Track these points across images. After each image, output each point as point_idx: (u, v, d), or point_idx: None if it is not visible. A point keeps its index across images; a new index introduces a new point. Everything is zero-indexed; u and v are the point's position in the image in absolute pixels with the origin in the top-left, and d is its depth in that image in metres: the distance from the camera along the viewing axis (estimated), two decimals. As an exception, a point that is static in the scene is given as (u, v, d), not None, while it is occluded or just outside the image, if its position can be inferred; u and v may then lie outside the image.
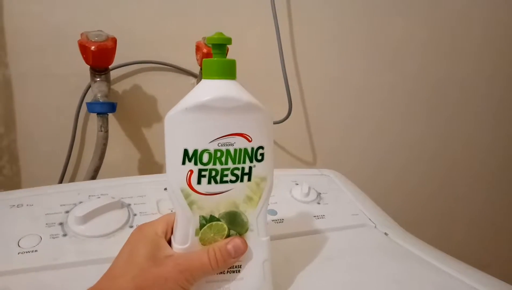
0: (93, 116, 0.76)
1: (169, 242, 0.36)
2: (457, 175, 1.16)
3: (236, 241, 0.34)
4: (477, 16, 1.06)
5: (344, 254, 0.50)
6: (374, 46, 0.97)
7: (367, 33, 0.96)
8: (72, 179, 0.77)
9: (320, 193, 0.63)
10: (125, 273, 0.32)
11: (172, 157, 0.34)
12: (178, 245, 0.35)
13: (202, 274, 0.34)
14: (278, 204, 0.58)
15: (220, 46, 0.33)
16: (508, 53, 1.13)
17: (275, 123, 0.83)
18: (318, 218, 0.58)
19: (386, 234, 0.57)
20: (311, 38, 0.91)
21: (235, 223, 0.36)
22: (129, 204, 0.54)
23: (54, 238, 0.48)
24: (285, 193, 0.62)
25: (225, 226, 0.35)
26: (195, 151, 0.33)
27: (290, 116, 0.83)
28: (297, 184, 0.63)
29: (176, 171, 0.34)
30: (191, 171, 0.33)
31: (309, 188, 0.62)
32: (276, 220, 0.56)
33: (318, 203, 0.61)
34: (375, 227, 0.59)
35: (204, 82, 0.34)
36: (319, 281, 0.43)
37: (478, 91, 1.12)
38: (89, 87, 0.73)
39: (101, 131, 0.67)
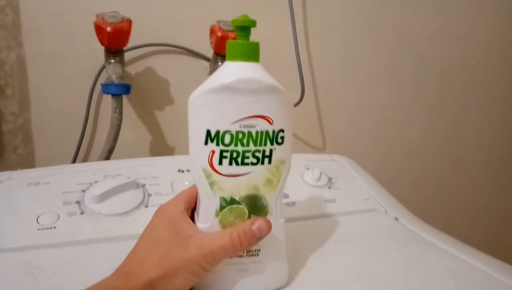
0: (106, 97, 0.76)
1: (192, 216, 0.37)
2: (466, 160, 1.16)
3: (261, 221, 0.35)
4: (488, 4, 1.05)
5: (355, 238, 0.51)
6: (387, 33, 0.97)
7: (379, 20, 0.95)
8: (85, 159, 0.78)
9: (331, 178, 0.64)
10: (151, 256, 0.33)
11: (195, 137, 0.34)
12: (200, 223, 0.36)
13: (224, 255, 0.34)
14: (290, 188, 0.59)
15: (244, 28, 0.34)
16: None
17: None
18: (329, 202, 0.59)
19: (396, 219, 0.58)
20: (325, 24, 0.90)
21: (255, 207, 0.36)
22: (144, 185, 0.55)
23: (71, 216, 0.49)
24: (297, 177, 0.62)
25: (246, 210, 0.35)
26: (217, 132, 0.33)
27: (302, 101, 0.83)
28: (308, 169, 0.64)
29: (199, 151, 0.34)
30: (213, 152, 0.34)
31: (320, 173, 0.62)
32: (287, 203, 0.57)
33: (329, 188, 0.62)
34: (386, 212, 0.59)
35: (228, 64, 0.34)
36: (331, 263, 0.44)
37: (488, 77, 1.12)
38: (102, 68, 0.74)
39: (116, 112, 0.68)
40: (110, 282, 0.31)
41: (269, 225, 0.35)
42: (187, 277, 0.32)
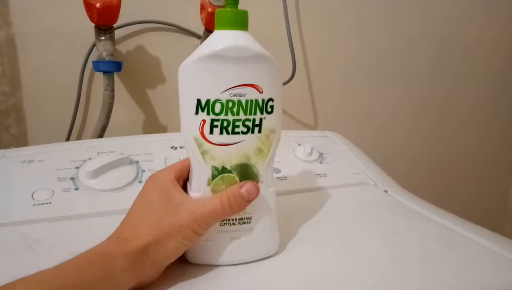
0: (98, 75, 0.76)
1: (184, 188, 0.38)
2: (459, 139, 1.18)
3: (249, 184, 0.35)
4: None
5: (345, 209, 0.52)
6: (377, 10, 0.97)
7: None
8: (78, 138, 0.78)
9: (322, 153, 0.65)
10: (144, 222, 0.34)
11: (186, 107, 0.34)
12: (192, 193, 0.37)
13: (215, 219, 0.35)
14: (282, 163, 0.60)
15: (233, -4, 0.34)
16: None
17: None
18: (320, 176, 0.60)
19: (386, 191, 0.59)
20: (316, 2, 0.90)
21: (246, 175, 0.36)
22: (137, 161, 0.56)
23: (66, 191, 0.49)
24: (288, 153, 0.63)
25: (237, 178, 0.36)
26: (208, 101, 0.34)
27: (293, 79, 0.84)
28: (300, 145, 0.65)
29: (190, 121, 0.34)
30: (204, 121, 0.34)
31: (312, 148, 0.63)
32: (279, 177, 0.58)
33: (321, 163, 0.63)
34: (376, 185, 0.61)
35: (217, 32, 0.34)
36: (321, 233, 0.45)
37: (483, 56, 1.12)
38: (93, 46, 0.73)
39: (108, 90, 0.68)
40: (104, 247, 0.32)
41: (257, 188, 0.36)
42: (179, 241, 0.33)
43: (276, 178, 0.58)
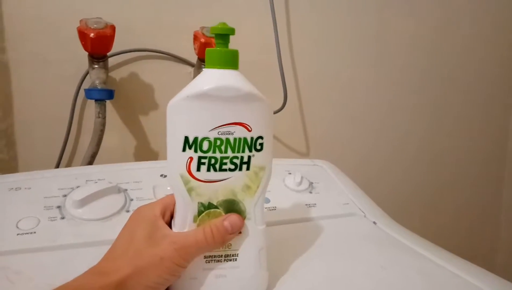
0: (90, 102, 0.76)
1: (169, 224, 0.37)
2: (443, 163, 1.18)
3: (232, 217, 0.35)
4: (465, 11, 1.09)
5: (334, 241, 0.52)
6: (368, 40, 0.99)
7: (360, 29, 0.98)
8: (68, 165, 0.78)
9: (312, 183, 0.65)
10: (124, 254, 0.33)
11: (173, 144, 0.34)
12: (176, 229, 0.36)
13: (197, 251, 0.35)
14: (271, 193, 0.60)
15: (223, 36, 0.34)
16: (496, 47, 1.16)
17: (269, 113, 0.84)
18: (309, 206, 0.60)
19: (374, 223, 0.59)
20: (307, 31, 0.92)
21: (232, 211, 0.36)
22: (126, 189, 0.55)
23: (52, 220, 0.49)
24: (279, 182, 0.63)
25: (223, 213, 0.36)
26: (196, 139, 0.34)
27: (284, 107, 0.84)
28: (290, 174, 0.65)
29: (177, 158, 0.34)
30: (191, 158, 0.34)
31: (302, 178, 0.63)
32: (269, 207, 0.58)
33: (310, 192, 0.63)
34: (365, 216, 0.61)
35: (206, 71, 0.34)
36: (310, 268, 0.44)
37: (467, 83, 1.15)
38: (87, 73, 0.74)
39: (99, 117, 0.68)
40: (80, 281, 0.31)
41: (241, 221, 0.36)
42: (159, 274, 0.32)
43: (266, 208, 0.57)
